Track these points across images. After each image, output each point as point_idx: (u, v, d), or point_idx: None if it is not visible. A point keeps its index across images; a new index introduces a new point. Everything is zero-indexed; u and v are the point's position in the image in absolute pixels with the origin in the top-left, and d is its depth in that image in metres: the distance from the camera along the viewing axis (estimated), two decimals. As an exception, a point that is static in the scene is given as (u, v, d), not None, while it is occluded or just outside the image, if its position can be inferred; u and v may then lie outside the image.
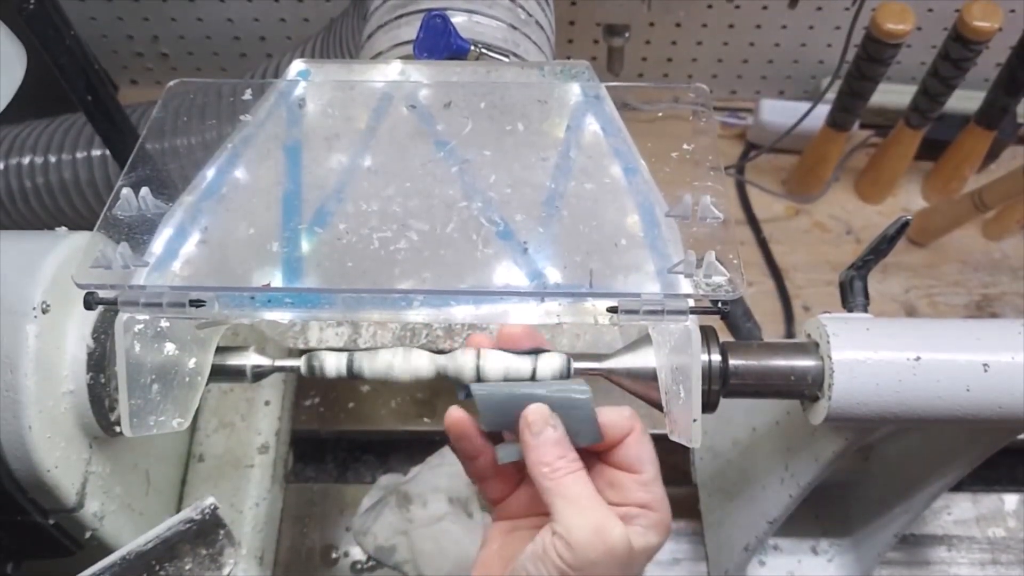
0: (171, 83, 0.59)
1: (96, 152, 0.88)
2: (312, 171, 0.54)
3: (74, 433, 0.60)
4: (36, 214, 0.91)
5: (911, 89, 1.00)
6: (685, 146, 0.54)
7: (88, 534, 0.63)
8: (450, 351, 0.49)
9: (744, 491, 0.73)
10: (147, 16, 1.11)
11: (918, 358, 0.50)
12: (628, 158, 0.54)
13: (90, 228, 0.49)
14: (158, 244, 0.49)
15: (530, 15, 0.74)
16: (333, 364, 0.49)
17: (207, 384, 0.50)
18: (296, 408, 0.92)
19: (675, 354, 0.48)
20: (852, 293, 0.57)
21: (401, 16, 0.72)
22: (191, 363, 0.49)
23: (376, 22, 0.74)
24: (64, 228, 0.62)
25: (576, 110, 0.57)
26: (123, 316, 0.47)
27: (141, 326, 0.47)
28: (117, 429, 0.60)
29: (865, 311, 0.57)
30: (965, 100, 1.02)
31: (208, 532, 0.48)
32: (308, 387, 0.94)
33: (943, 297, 1.05)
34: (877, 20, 0.88)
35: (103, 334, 0.60)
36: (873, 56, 0.91)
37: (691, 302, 0.46)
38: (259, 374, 0.50)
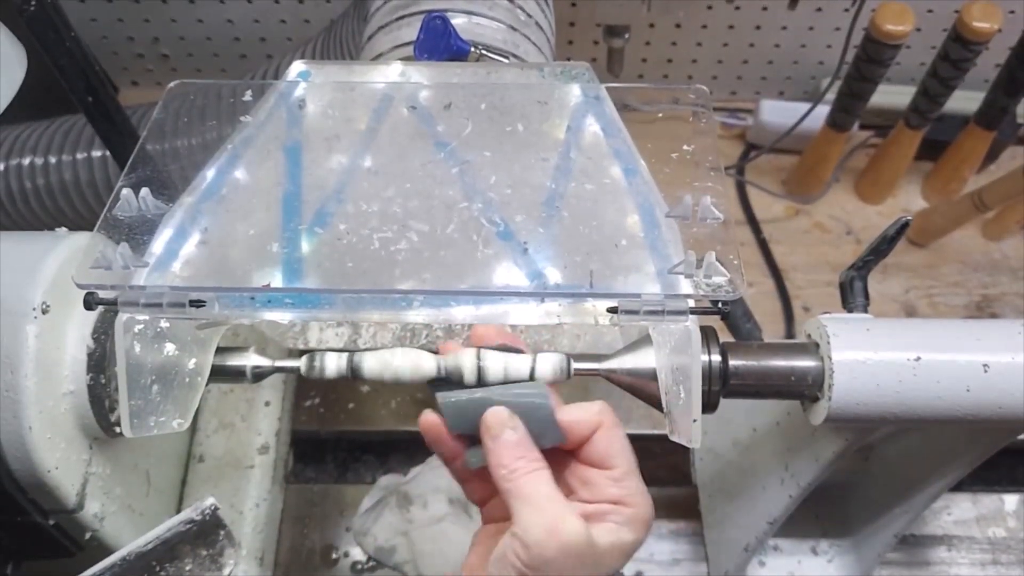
0: (171, 84, 0.59)
1: (96, 153, 0.88)
2: (312, 172, 0.54)
3: (74, 434, 0.60)
4: (36, 215, 0.91)
5: (911, 90, 1.00)
6: (685, 147, 0.54)
7: (88, 535, 0.63)
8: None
9: (744, 491, 0.73)
10: (148, 17, 1.11)
11: (918, 358, 0.50)
12: (628, 159, 0.54)
13: (90, 229, 0.49)
14: (158, 245, 0.49)
15: (530, 16, 0.74)
16: (333, 364, 0.49)
17: (207, 384, 0.50)
18: (296, 409, 0.92)
19: (675, 354, 0.48)
20: (852, 293, 0.57)
21: (401, 17, 0.72)
22: (191, 363, 0.49)
23: (376, 23, 0.74)
24: (64, 229, 0.62)
25: (576, 111, 0.57)
26: (123, 316, 0.47)
27: (141, 326, 0.47)
28: (117, 430, 0.60)
29: (865, 311, 0.57)
30: (965, 101, 1.02)
31: (208, 533, 0.48)
32: (308, 388, 0.94)
33: (943, 297, 1.05)
34: (877, 21, 0.88)
35: (103, 334, 0.60)
36: (873, 57, 0.92)
37: (691, 302, 0.46)
38: (259, 374, 0.50)
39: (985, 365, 0.50)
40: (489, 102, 0.57)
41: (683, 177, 0.52)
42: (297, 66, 0.60)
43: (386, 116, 0.57)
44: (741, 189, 1.13)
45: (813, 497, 0.65)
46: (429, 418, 0.49)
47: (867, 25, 0.90)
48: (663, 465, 0.88)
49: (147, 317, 0.47)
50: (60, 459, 0.58)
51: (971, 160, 1.06)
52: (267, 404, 0.89)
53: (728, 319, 0.66)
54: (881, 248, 0.57)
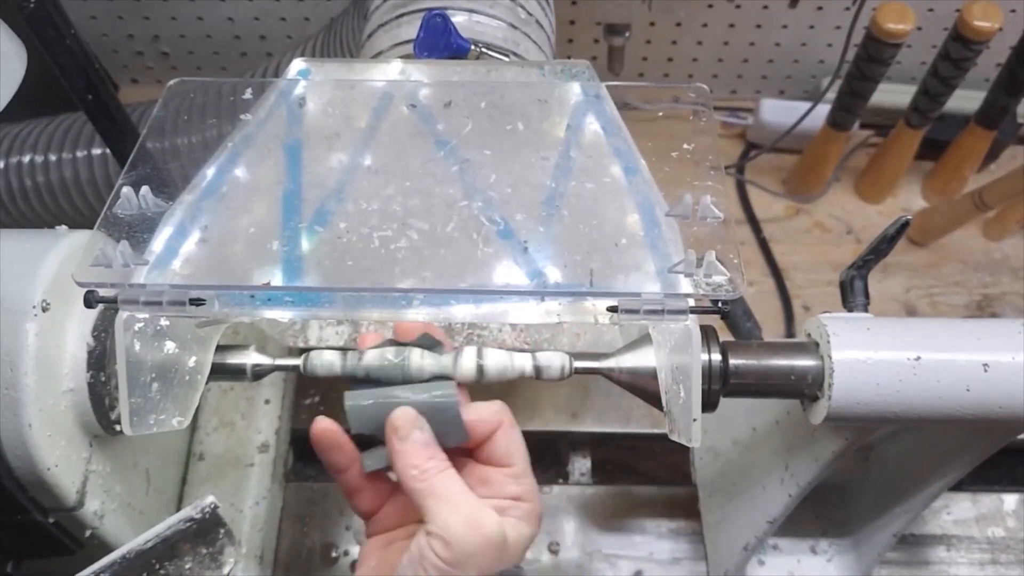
0: (171, 82, 0.59)
1: (96, 151, 0.88)
2: (312, 170, 0.54)
3: (74, 432, 0.60)
4: (36, 213, 0.91)
5: (911, 89, 1.00)
6: (685, 146, 0.54)
7: (88, 533, 0.63)
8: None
9: (744, 491, 0.73)
10: (148, 15, 1.11)
11: (918, 358, 0.50)
12: (628, 158, 0.54)
13: (90, 227, 0.49)
14: (158, 243, 0.49)
15: (530, 14, 0.74)
16: (333, 363, 0.49)
17: (207, 383, 0.50)
18: (296, 407, 0.92)
19: (675, 353, 0.48)
20: (852, 293, 0.57)
21: (401, 15, 0.72)
22: (191, 361, 0.49)
23: (376, 21, 0.74)
24: (64, 227, 0.62)
25: (576, 109, 0.57)
26: (123, 314, 0.47)
27: (141, 324, 0.47)
28: (117, 428, 0.60)
29: (865, 311, 0.57)
30: (965, 100, 1.02)
31: (208, 531, 0.48)
32: (308, 386, 0.94)
33: (943, 297, 1.05)
34: (877, 20, 0.88)
35: (103, 332, 0.60)
36: (873, 56, 0.91)
37: (691, 302, 0.46)
38: (259, 373, 0.51)
39: (985, 365, 0.50)
40: (489, 100, 0.57)
41: (683, 176, 0.52)
42: (297, 64, 0.60)
43: (386, 114, 0.57)
44: (741, 188, 1.13)
45: (813, 497, 0.65)
46: (324, 424, 0.48)
47: (868, 24, 0.90)
48: (663, 464, 0.88)
49: (147, 315, 0.47)
50: (60, 457, 0.58)
51: (971, 159, 1.06)
52: (267, 402, 0.89)
53: (728, 318, 0.66)
54: (881, 247, 0.57)
